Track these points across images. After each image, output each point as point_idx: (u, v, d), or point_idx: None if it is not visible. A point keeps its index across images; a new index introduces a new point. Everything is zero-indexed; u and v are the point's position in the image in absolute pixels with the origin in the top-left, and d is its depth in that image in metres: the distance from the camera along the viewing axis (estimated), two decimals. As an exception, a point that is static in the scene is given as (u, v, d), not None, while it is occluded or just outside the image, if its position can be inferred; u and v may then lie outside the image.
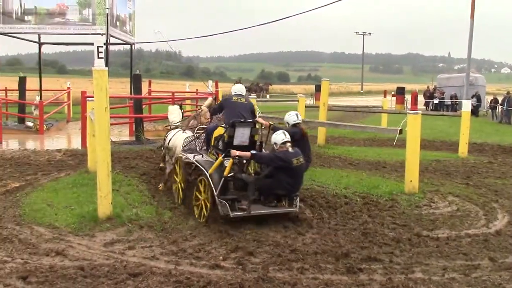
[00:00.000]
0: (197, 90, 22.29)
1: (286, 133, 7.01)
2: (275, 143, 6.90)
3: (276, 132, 7.03)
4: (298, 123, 7.83)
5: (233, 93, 7.91)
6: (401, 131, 9.06)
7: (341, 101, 45.59)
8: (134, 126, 15.25)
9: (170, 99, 14.95)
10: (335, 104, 26.21)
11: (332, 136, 16.79)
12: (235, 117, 7.17)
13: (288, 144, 6.86)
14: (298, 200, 6.87)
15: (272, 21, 18.81)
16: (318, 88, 32.16)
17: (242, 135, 6.93)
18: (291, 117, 7.88)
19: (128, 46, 19.14)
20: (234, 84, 9.23)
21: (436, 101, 34.37)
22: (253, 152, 6.75)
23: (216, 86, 18.86)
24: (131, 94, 16.20)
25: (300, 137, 7.50)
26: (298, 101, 17.01)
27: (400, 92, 28.43)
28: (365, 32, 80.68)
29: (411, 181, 8.66)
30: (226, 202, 6.43)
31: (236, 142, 6.93)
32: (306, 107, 17.20)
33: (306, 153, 7.38)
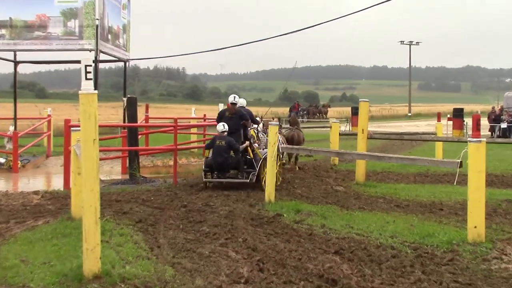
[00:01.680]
0: (205, 115, 22.38)
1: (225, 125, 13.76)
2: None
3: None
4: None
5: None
6: (461, 164, 8.91)
7: (384, 126, 45.95)
8: (128, 161, 15.36)
9: (172, 128, 14.96)
10: (376, 131, 26.79)
11: (373, 171, 16.80)
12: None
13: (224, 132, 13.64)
14: (252, 175, 13.32)
15: (296, 31, 18.88)
16: (355, 111, 32.54)
17: None
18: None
19: (121, 64, 19.40)
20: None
21: (504, 125, 34.05)
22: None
23: None
24: (124, 122, 16.27)
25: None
26: (330, 127, 16.84)
27: (458, 114, 28.24)
28: (412, 41, 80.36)
29: (475, 227, 8.46)
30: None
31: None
32: (340, 135, 17.14)
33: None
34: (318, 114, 60.37)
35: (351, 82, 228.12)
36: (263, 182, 12.94)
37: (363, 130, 14.64)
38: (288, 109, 54.83)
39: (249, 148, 13.71)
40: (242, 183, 13.37)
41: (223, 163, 13.23)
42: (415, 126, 47.02)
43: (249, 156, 13.68)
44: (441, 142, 19.64)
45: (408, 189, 13.56)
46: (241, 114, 13.91)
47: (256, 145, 14.22)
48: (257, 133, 14.92)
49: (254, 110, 15.91)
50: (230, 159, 13.29)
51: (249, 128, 14.19)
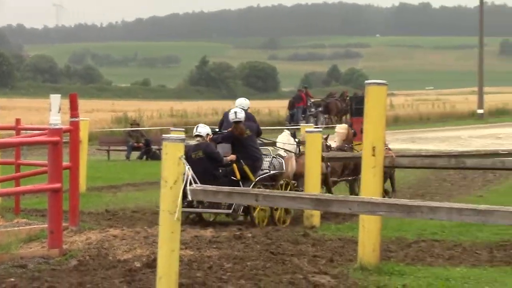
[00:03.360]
0: (18, 122, 15.94)
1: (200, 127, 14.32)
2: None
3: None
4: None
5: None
6: None
7: (425, 139, 36.69)
8: None
9: None
10: (407, 149, 23.28)
11: (400, 237, 12.60)
12: None
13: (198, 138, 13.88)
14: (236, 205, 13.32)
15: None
16: (357, 106, 29.52)
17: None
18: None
19: None
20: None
21: None
22: None
23: (74, 109, 12.80)
24: None
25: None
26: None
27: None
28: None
29: None
30: None
31: None
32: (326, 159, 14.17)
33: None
34: (338, 115, 45.70)
35: (353, 40, 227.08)
36: (255, 217, 13.66)
37: (374, 148, 10.28)
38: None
39: (235, 165, 13.80)
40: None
41: (205, 182, 10.60)
42: (492, 137, 37.68)
43: (235, 176, 13.81)
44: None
45: (477, 283, 9.64)
46: (253, 132, 14.46)
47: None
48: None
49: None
50: (216, 176, 13.74)
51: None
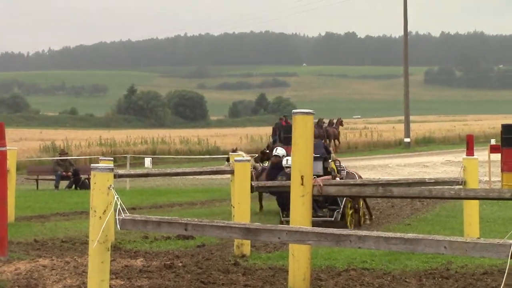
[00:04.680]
0: None
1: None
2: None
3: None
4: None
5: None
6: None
7: (353, 168, 37.08)
8: None
9: None
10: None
11: (330, 266, 12.19)
12: None
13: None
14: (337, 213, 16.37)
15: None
16: (284, 132, 30.91)
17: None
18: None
19: None
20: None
21: None
22: None
23: (1, 139, 13.18)
24: None
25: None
26: (232, 173, 12.84)
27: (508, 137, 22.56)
28: None
29: None
30: None
31: None
32: (256, 189, 13.45)
33: None
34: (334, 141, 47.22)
35: (280, 69, 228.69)
36: (348, 222, 15.91)
37: (302, 177, 9.76)
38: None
39: None
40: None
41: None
42: (419, 165, 37.45)
43: None
44: (475, 202, 13.97)
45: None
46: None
47: (338, 179, 16.16)
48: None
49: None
50: None
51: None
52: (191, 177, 30.24)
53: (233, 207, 13.28)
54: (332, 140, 46.46)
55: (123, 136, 60.39)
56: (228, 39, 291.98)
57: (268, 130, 52.01)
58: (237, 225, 8.38)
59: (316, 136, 40.23)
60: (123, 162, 34.07)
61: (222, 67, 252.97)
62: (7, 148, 12.22)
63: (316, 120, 45.89)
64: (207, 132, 76.99)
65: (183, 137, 58.10)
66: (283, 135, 33.36)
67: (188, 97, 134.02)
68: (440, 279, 10.90)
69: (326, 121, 47.65)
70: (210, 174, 21.41)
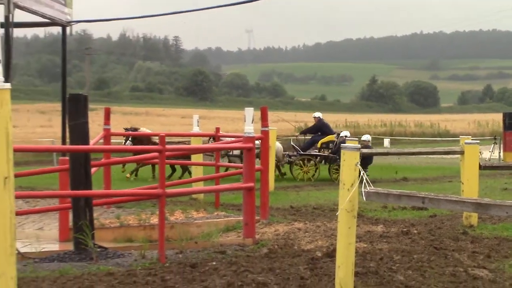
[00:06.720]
0: (217, 130, 16.15)
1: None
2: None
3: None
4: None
5: None
6: None
7: None
8: (71, 216, 10.29)
9: (158, 153, 9.09)
10: None
11: None
12: None
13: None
14: None
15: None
16: (509, 121, 29.68)
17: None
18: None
19: (58, 29, 16.02)
20: None
21: None
22: None
23: (264, 120, 12.73)
24: (63, 142, 13.44)
25: None
26: (461, 153, 11.85)
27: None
28: None
29: None
30: None
31: None
32: (482, 167, 12.02)
33: None
34: None
35: (505, 63, 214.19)
36: None
37: None
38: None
39: None
40: None
41: None
42: None
43: None
44: None
45: None
46: None
47: None
48: None
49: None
50: None
51: None
52: (424, 156, 30.16)
53: (463, 183, 12.95)
54: None
55: (365, 119, 61.59)
56: (458, 36, 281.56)
57: (494, 116, 49.98)
58: (469, 200, 8.32)
59: None
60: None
61: (452, 61, 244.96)
62: (269, 128, 13.30)
63: None
64: (438, 117, 76.10)
65: (417, 121, 58.91)
66: (507, 121, 32.11)
67: (422, 87, 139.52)
68: None
69: None
70: (441, 154, 22.07)
